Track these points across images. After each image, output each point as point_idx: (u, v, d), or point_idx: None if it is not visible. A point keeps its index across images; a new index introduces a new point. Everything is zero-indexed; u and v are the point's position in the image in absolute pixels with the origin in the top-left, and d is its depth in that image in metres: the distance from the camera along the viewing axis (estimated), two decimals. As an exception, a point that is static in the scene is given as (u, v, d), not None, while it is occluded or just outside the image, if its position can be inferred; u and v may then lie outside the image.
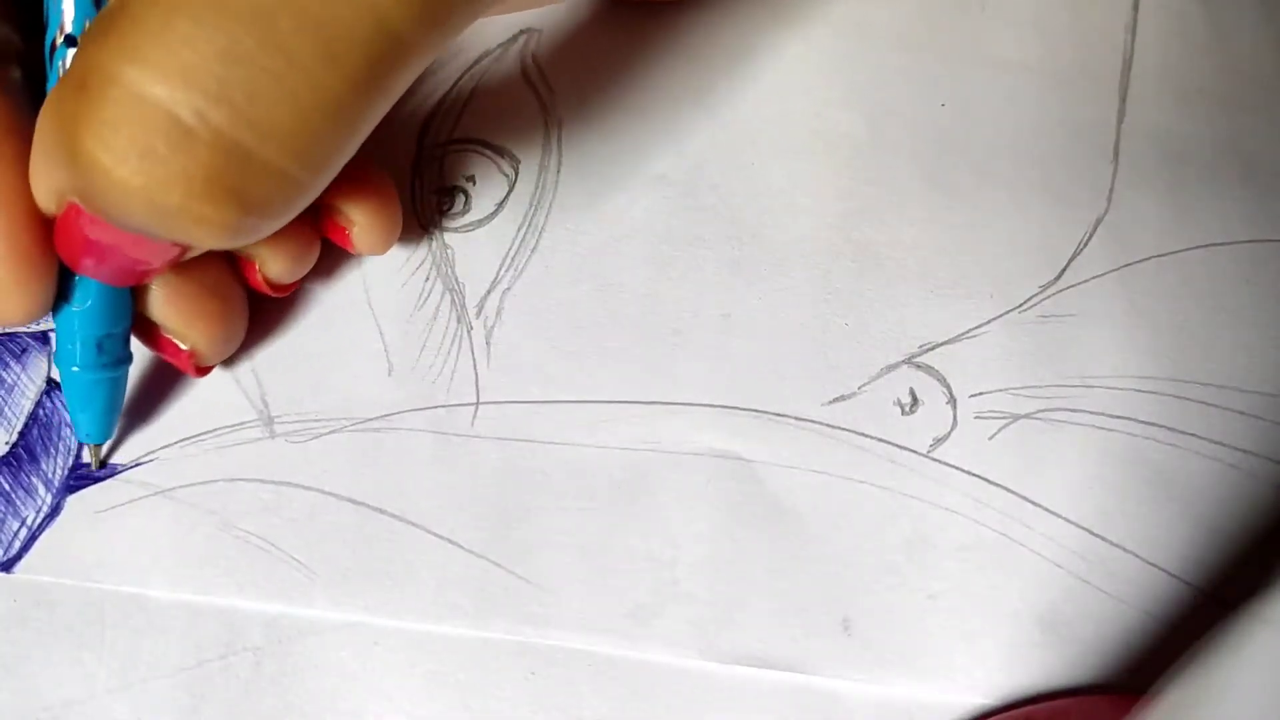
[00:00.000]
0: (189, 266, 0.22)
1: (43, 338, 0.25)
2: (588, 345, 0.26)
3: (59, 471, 0.24)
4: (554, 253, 0.27)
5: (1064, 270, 0.27)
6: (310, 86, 0.16)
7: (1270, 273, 0.26)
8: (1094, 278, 0.26)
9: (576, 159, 0.27)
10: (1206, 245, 0.27)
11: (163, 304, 0.22)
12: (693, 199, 0.27)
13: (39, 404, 0.25)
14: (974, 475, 0.25)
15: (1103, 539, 0.24)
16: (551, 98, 0.27)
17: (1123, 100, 0.28)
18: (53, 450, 0.24)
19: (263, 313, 0.25)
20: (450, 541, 0.24)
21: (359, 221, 0.23)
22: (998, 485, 0.25)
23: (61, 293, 0.21)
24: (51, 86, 0.19)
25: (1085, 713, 0.23)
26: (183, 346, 0.23)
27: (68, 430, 0.25)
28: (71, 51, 0.19)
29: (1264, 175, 0.27)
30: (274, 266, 0.23)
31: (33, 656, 0.23)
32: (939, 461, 0.25)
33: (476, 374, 0.25)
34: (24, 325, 0.21)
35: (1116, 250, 0.27)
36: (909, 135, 0.28)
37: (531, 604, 0.24)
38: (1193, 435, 0.25)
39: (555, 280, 0.26)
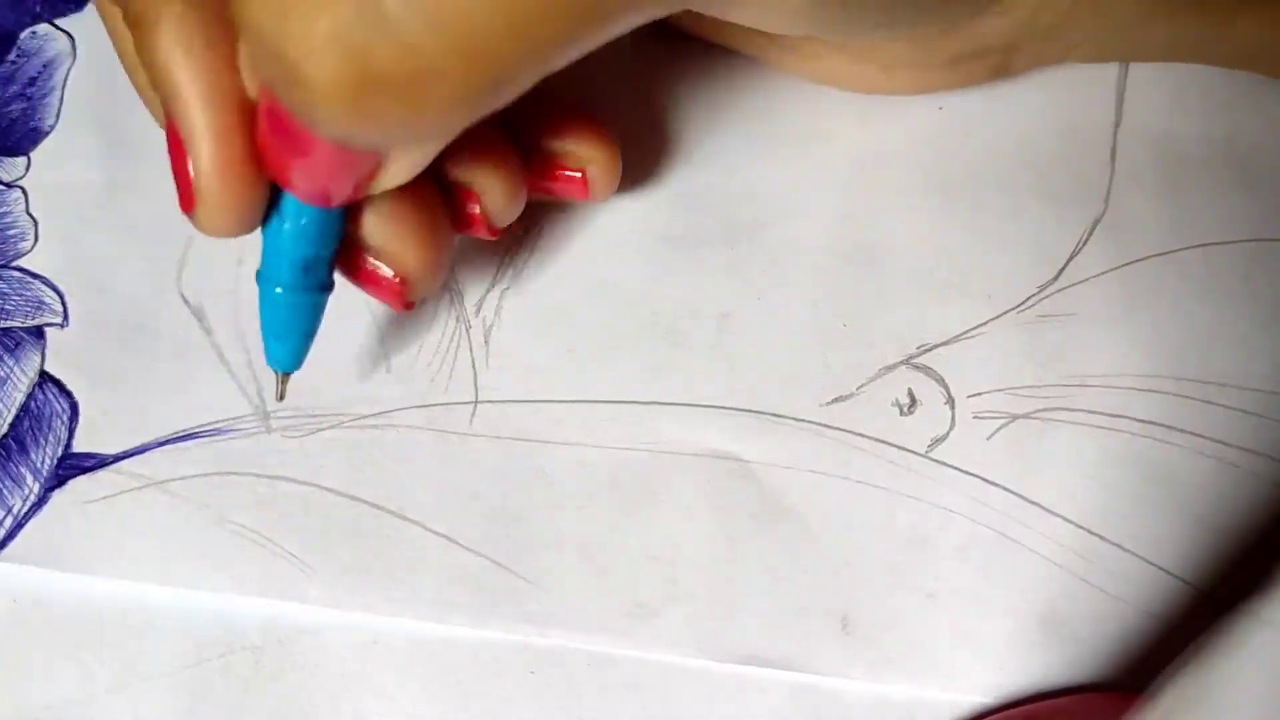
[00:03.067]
0: (404, 194, 0.21)
1: (37, 332, 0.25)
2: (586, 345, 0.26)
3: (48, 462, 0.24)
4: (553, 252, 0.27)
5: (1062, 270, 0.27)
6: (512, 6, 0.14)
7: (1268, 271, 0.26)
8: (1092, 277, 0.26)
9: (576, 159, 0.27)
10: (1204, 245, 0.27)
11: (376, 223, 0.21)
12: (692, 199, 0.27)
13: (30, 396, 0.25)
14: (973, 475, 0.25)
15: (1102, 538, 0.24)
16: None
17: (1120, 101, 0.28)
18: (43, 441, 0.24)
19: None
20: (449, 540, 0.24)
21: (597, 160, 0.23)
22: (996, 485, 0.25)
23: (272, 207, 0.20)
24: None
25: (1085, 711, 0.23)
26: (390, 274, 0.21)
27: (58, 421, 0.24)
28: None
29: (1261, 175, 0.27)
30: (495, 198, 0.22)
31: (32, 656, 0.23)
32: (938, 461, 0.25)
33: (475, 372, 0.25)
34: (233, 237, 0.20)
35: (1114, 250, 0.27)
36: (907, 137, 0.28)
37: (530, 602, 0.24)
38: (1192, 434, 0.25)
39: (554, 280, 0.26)
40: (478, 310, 0.26)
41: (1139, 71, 0.28)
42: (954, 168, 0.27)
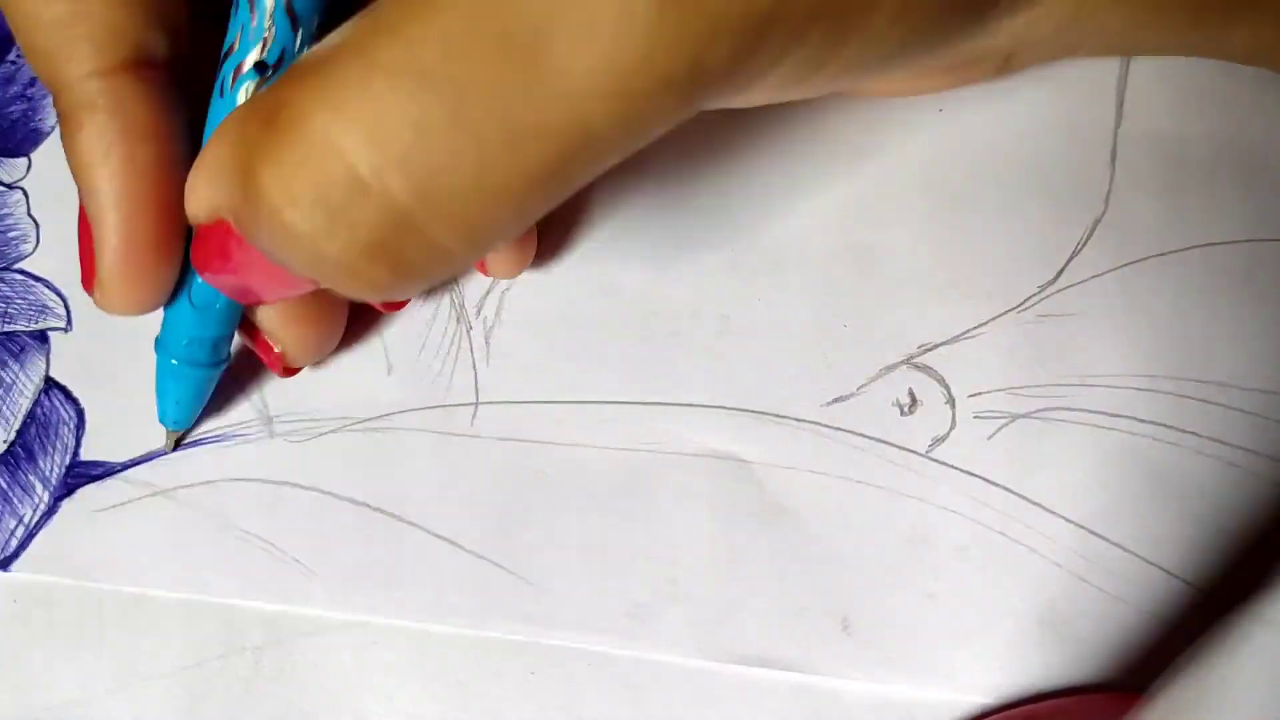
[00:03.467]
0: None
1: (41, 337, 0.25)
2: (587, 346, 0.26)
3: (56, 470, 0.24)
4: (553, 253, 0.27)
5: (1062, 270, 0.27)
6: (491, 171, 0.16)
7: (1269, 271, 0.26)
8: (1092, 277, 0.26)
9: (576, 159, 0.27)
10: (1204, 245, 0.27)
11: (270, 309, 0.22)
12: (692, 200, 0.27)
13: (37, 403, 0.25)
14: (973, 475, 0.25)
15: (1102, 538, 0.24)
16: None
17: (1120, 102, 0.28)
18: (50, 449, 0.24)
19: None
20: (450, 541, 0.24)
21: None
22: (997, 485, 0.25)
23: (181, 288, 0.21)
24: (220, 100, 0.20)
25: (1085, 711, 0.23)
26: (276, 349, 0.23)
27: (65, 429, 0.25)
28: (255, 80, 0.19)
29: (1261, 175, 0.27)
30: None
31: (33, 656, 0.23)
32: (938, 461, 0.25)
33: (476, 374, 0.25)
34: (132, 316, 0.21)
35: (1115, 250, 0.27)
36: (907, 137, 0.28)
37: (531, 603, 0.24)
38: (1192, 433, 0.25)
39: (554, 280, 0.26)
40: (478, 311, 0.26)
41: (1139, 72, 0.28)
42: (954, 168, 0.27)
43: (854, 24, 0.18)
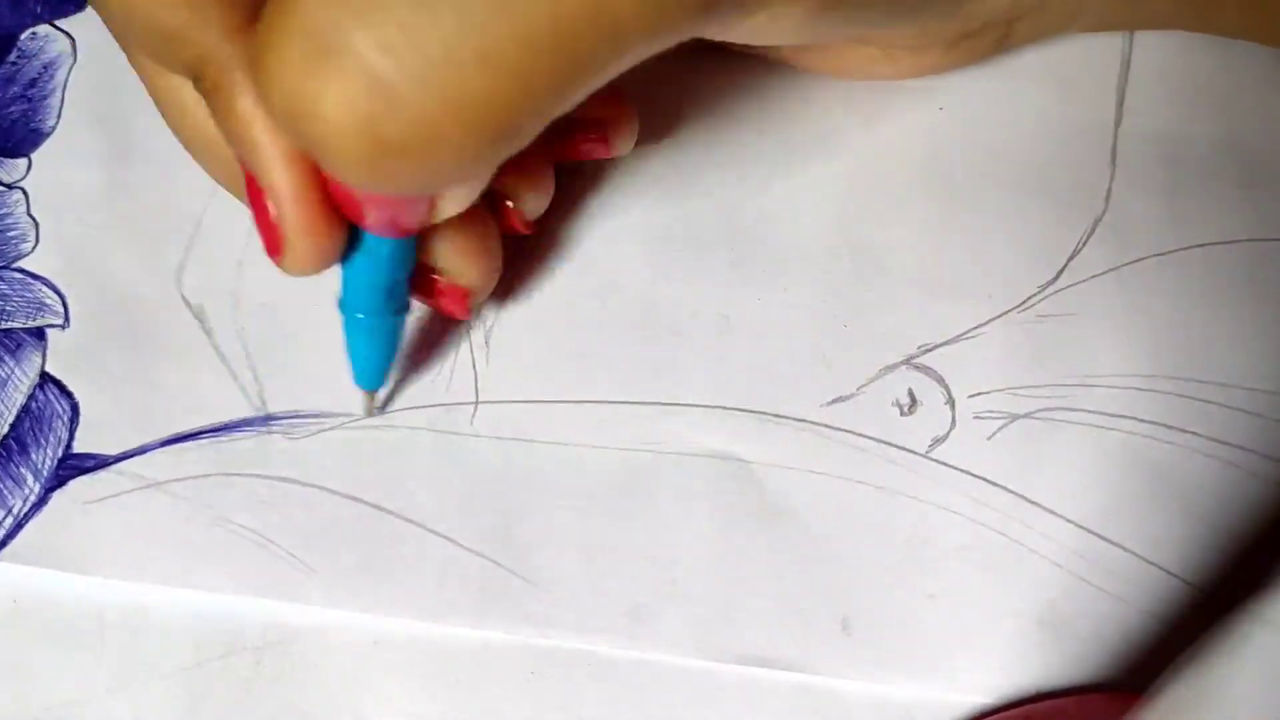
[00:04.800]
0: (459, 220, 0.22)
1: (38, 333, 0.25)
2: (587, 345, 0.26)
3: (49, 463, 0.24)
4: (554, 253, 0.27)
5: (1062, 270, 0.27)
6: (477, 32, 0.15)
7: (1269, 271, 0.26)
8: (1092, 277, 0.26)
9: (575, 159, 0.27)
10: (1204, 244, 0.27)
11: (443, 249, 0.23)
12: (692, 200, 0.27)
13: (31, 397, 0.25)
14: (973, 475, 0.25)
15: (1102, 538, 0.24)
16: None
17: (1121, 101, 0.28)
18: (43, 442, 0.24)
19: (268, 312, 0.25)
20: (449, 540, 0.24)
21: (614, 122, 0.24)
22: (997, 485, 0.25)
23: (351, 241, 0.21)
24: None
25: (1085, 711, 0.23)
26: (459, 288, 0.23)
27: (59, 422, 0.25)
28: None
29: (1262, 176, 0.27)
30: (530, 203, 0.24)
31: (32, 657, 0.23)
32: (938, 462, 0.25)
33: (476, 373, 0.25)
34: (315, 273, 0.21)
35: (1115, 250, 0.27)
36: (907, 137, 0.28)
37: (531, 603, 0.24)
38: (1192, 433, 0.25)
39: (554, 280, 0.26)
40: (478, 310, 0.26)
41: (1140, 71, 0.28)
42: (954, 168, 0.27)
43: None
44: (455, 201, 0.20)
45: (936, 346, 0.26)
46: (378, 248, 0.21)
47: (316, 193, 0.19)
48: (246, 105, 0.19)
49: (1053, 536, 0.24)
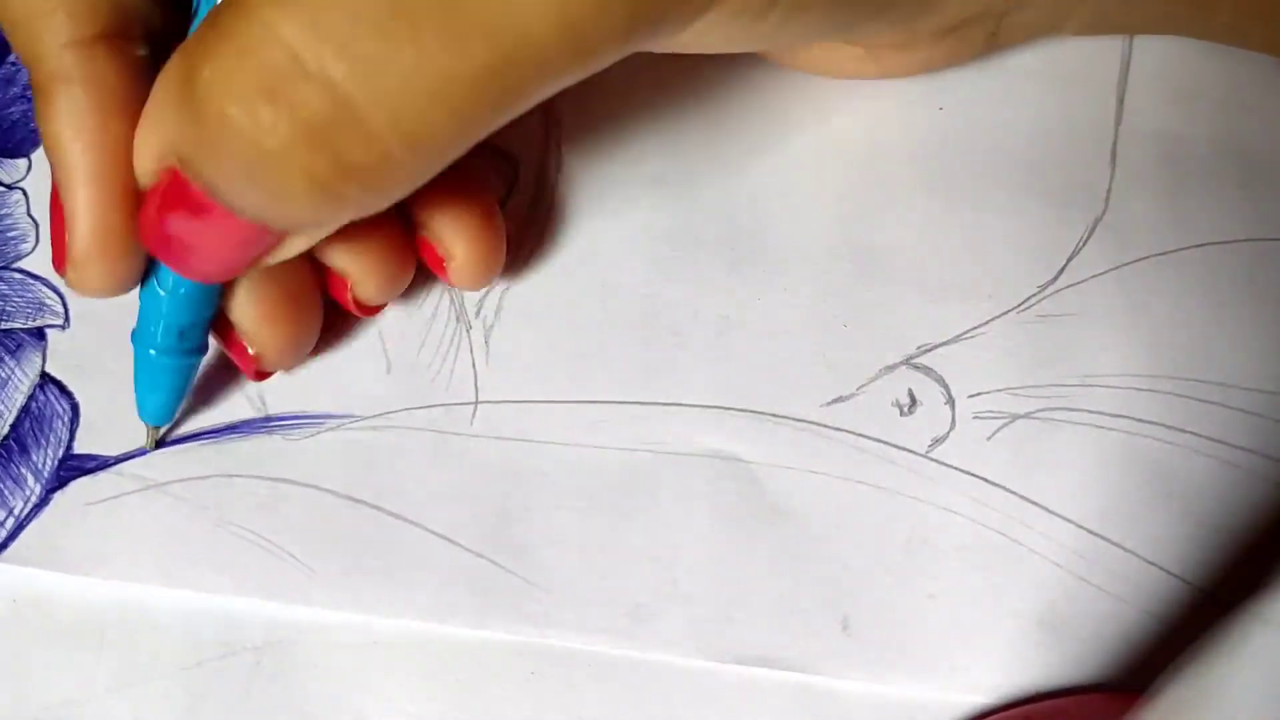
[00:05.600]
0: (276, 274, 0.22)
1: (38, 334, 0.25)
2: (587, 345, 0.26)
3: (49, 463, 0.24)
4: (553, 253, 0.27)
5: (1062, 270, 0.27)
6: (431, 68, 0.16)
7: (1269, 271, 0.26)
8: (1092, 277, 0.26)
9: (576, 160, 0.27)
10: (1204, 244, 0.27)
11: (244, 303, 0.22)
12: (692, 200, 0.27)
13: (32, 397, 0.25)
14: (973, 475, 0.25)
15: (1102, 538, 0.24)
16: (552, 100, 0.27)
17: (1120, 101, 0.28)
18: (44, 442, 0.24)
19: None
20: (449, 540, 0.24)
21: (458, 256, 0.23)
22: (997, 485, 0.25)
23: (149, 272, 0.21)
24: None
25: (1085, 712, 0.23)
26: (251, 350, 0.23)
27: (59, 423, 0.25)
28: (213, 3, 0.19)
29: (1262, 175, 0.27)
30: (367, 287, 0.23)
31: (32, 657, 0.23)
32: (938, 462, 0.25)
33: (475, 373, 0.25)
34: (105, 298, 0.21)
35: (1114, 250, 0.27)
36: (907, 137, 0.28)
37: (531, 603, 0.24)
38: (1192, 433, 0.25)
39: (554, 280, 0.26)
40: (478, 311, 0.26)
41: (1140, 71, 0.28)
42: (954, 168, 0.27)
43: None
44: (297, 245, 0.20)
45: (936, 346, 0.26)
46: (175, 288, 0.21)
47: (115, 220, 0.19)
48: (61, 118, 0.19)
49: (1053, 536, 0.24)
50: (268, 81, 0.16)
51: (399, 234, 0.23)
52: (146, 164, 0.19)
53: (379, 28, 0.16)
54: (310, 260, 0.23)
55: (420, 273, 0.25)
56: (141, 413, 0.23)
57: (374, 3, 0.16)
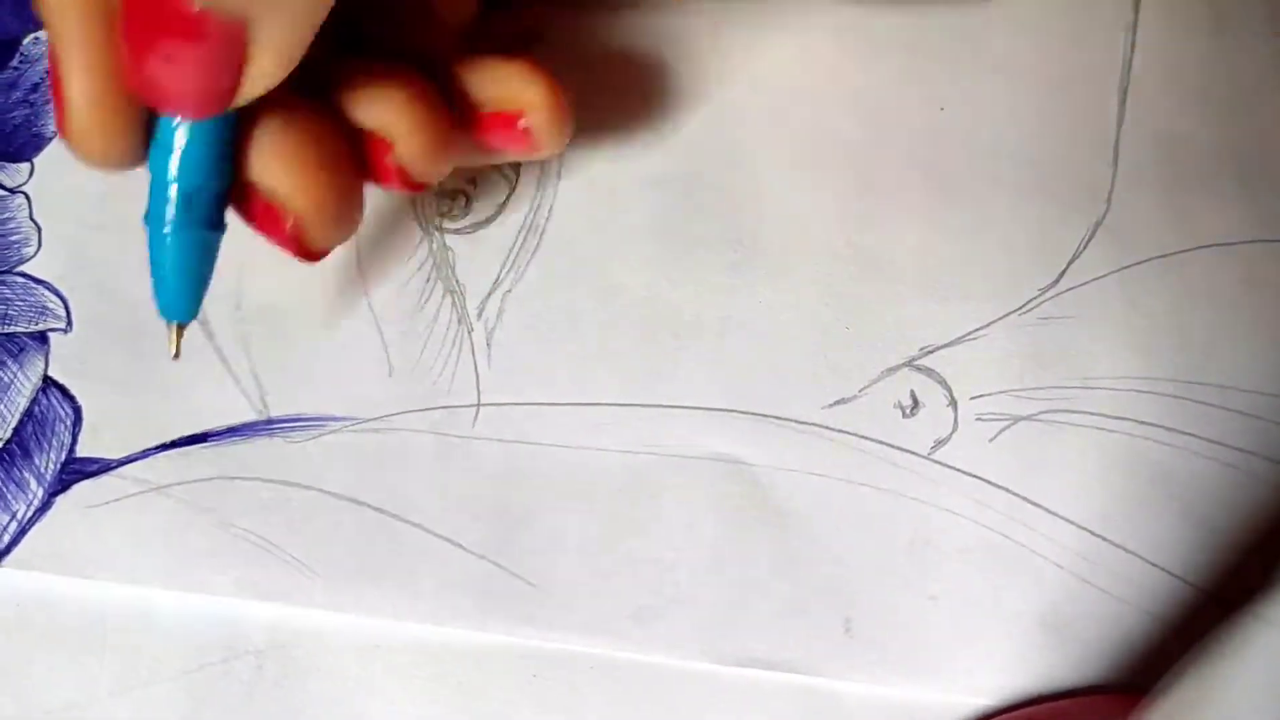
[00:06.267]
0: (295, 122, 0.20)
1: (41, 337, 0.25)
2: (589, 348, 0.26)
3: (52, 467, 0.24)
4: (554, 255, 0.27)
5: (1064, 272, 0.27)
6: None
7: (1270, 273, 0.26)
8: (1094, 279, 0.26)
9: (577, 162, 0.27)
10: (1206, 246, 0.27)
11: (264, 157, 0.20)
12: (693, 202, 0.27)
13: (34, 401, 0.25)
14: (975, 477, 0.25)
15: (1104, 539, 0.24)
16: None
17: (1122, 102, 0.28)
18: (46, 446, 0.24)
19: (271, 315, 0.25)
20: (452, 543, 0.24)
21: (535, 99, 0.22)
22: (999, 487, 0.25)
23: (154, 143, 0.20)
24: None
25: (1087, 713, 0.23)
26: (283, 215, 0.21)
27: (62, 426, 0.25)
28: None
29: (1263, 177, 0.27)
30: (409, 144, 0.21)
31: (34, 660, 0.23)
32: (940, 463, 0.25)
33: (477, 375, 0.25)
34: (112, 169, 0.20)
35: (1116, 252, 0.27)
36: (909, 138, 0.28)
37: (533, 606, 0.24)
38: (1193, 435, 0.25)
39: (556, 282, 0.26)
40: (479, 313, 0.26)
41: (1141, 72, 0.28)
42: (955, 168, 0.27)
43: None
44: (268, 56, 0.18)
45: (938, 348, 0.26)
46: (175, 142, 0.20)
47: (110, 70, 0.19)
48: None
49: (1055, 538, 0.24)
50: None
51: (431, 89, 0.21)
52: None
53: None
54: (342, 125, 0.21)
55: (420, 274, 0.25)
56: (161, 308, 0.21)
57: None
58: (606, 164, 0.27)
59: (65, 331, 0.26)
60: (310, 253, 0.22)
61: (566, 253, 0.27)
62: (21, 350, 0.25)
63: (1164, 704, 0.18)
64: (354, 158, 0.21)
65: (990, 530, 0.24)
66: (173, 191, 0.20)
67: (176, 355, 0.22)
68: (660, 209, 0.27)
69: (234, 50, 0.18)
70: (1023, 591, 0.24)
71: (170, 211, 0.20)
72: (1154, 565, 0.24)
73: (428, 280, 0.26)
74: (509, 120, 0.22)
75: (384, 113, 0.21)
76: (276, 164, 0.20)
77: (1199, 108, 0.28)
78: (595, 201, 0.27)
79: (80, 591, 0.23)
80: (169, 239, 0.20)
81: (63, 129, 0.19)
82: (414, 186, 0.22)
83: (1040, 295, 0.26)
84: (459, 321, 0.26)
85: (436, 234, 0.26)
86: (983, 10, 0.29)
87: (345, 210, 0.21)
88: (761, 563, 0.24)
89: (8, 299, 0.26)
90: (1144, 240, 0.27)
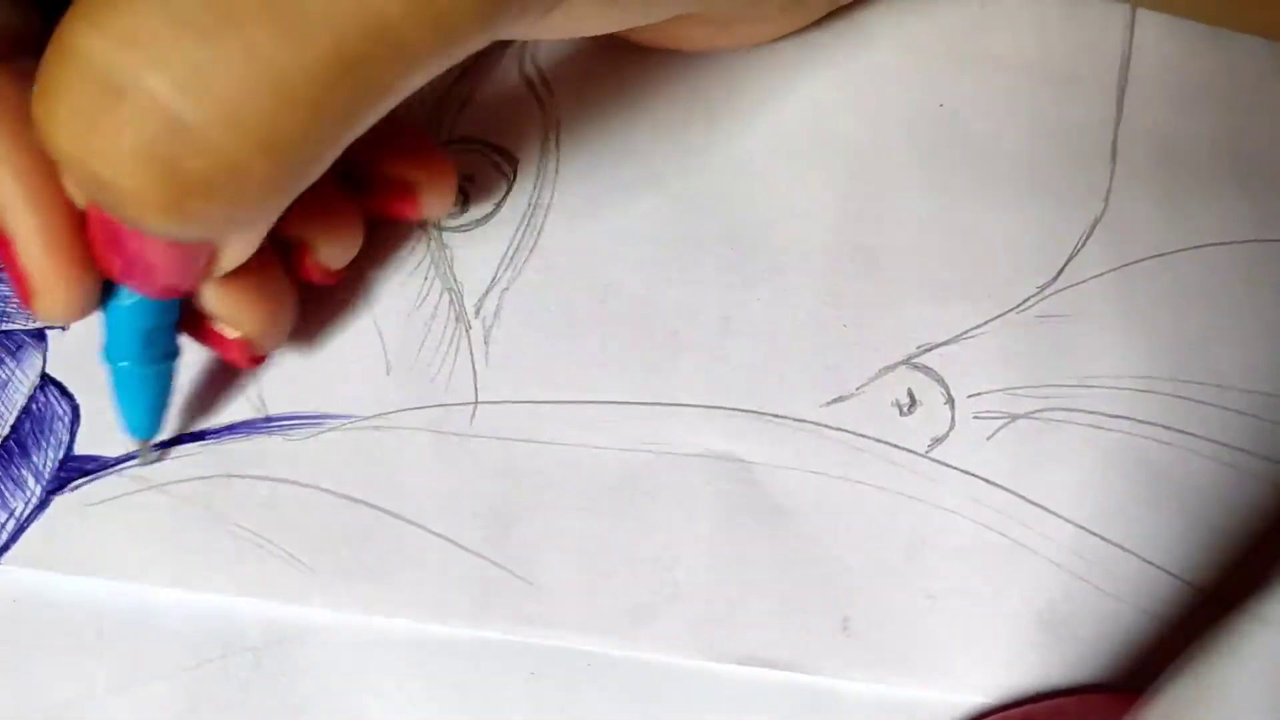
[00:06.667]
0: None
1: (39, 334, 0.25)
2: (586, 345, 0.26)
3: (50, 465, 0.24)
4: (553, 253, 0.27)
5: (1061, 271, 0.27)
6: (266, 64, 0.15)
7: (1268, 272, 0.26)
8: (1092, 278, 0.26)
9: (575, 160, 0.27)
10: (1204, 245, 0.27)
11: (213, 293, 0.21)
12: (691, 200, 0.27)
13: (32, 398, 0.25)
14: (972, 475, 0.25)
15: (1101, 538, 0.24)
16: (551, 98, 0.27)
17: (1120, 101, 0.28)
18: (44, 444, 0.24)
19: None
20: (449, 541, 0.24)
21: (422, 181, 0.23)
22: (996, 485, 0.25)
23: (109, 287, 0.20)
24: None
25: (1084, 711, 0.23)
26: (232, 335, 0.22)
27: (60, 424, 0.24)
28: None
29: (1261, 175, 0.27)
30: (325, 250, 0.23)
31: (32, 657, 0.23)
32: (937, 462, 0.25)
33: (475, 373, 0.25)
34: (71, 322, 0.20)
35: (1114, 251, 0.27)
36: (907, 136, 0.28)
37: (530, 604, 0.24)
38: (1191, 434, 0.25)
39: (554, 280, 0.26)
40: (478, 311, 0.26)
41: (1139, 70, 0.28)
42: (954, 167, 0.27)
43: None
44: (236, 251, 0.19)
45: (936, 346, 0.26)
46: (130, 293, 0.20)
47: (65, 242, 0.19)
48: None
49: (1052, 536, 0.24)
50: (87, 110, 0.15)
51: (341, 196, 0.23)
52: (76, 194, 0.18)
53: (198, 29, 0.14)
54: (271, 236, 0.22)
55: (418, 272, 0.25)
56: (129, 428, 0.23)
57: (190, 3, 0.14)
58: (605, 162, 0.27)
59: (64, 329, 0.25)
60: (256, 362, 0.24)
61: (564, 250, 0.27)
62: (20, 348, 0.25)
63: (1161, 703, 0.18)
64: (285, 268, 0.23)
65: (988, 529, 0.25)
66: (129, 331, 0.21)
67: (146, 463, 0.24)
68: (658, 207, 0.27)
69: (200, 255, 0.19)
70: (1020, 590, 0.24)
71: (128, 349, 0.22)
72: (1151, 564, 0.24)
73: (425, 278, 0.26)
74: (400, 195, 0.23)
75: (304, 229, 0.22)
76: (223, 295, 0.22)
77: (1198, 106, 0.28)
78: (594, 199, 0.27)
79: (78, 589, 0.23)
80: (132, 372, 0.22)
81: (23, 295, 0.20)
82: (329, 278, 0.24)
83: (1038, 294, 0.26)
84: (457, 319, 0.26)
85: (434, 232, 0.26)
86: (982, 5, 0.29)
87: (286, 321, 0.23)
88: (759, 561, 0.24)
89: (5, 296, 0.26)
90: (1142, 239, 0.27)
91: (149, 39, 0.14)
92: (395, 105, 0.17)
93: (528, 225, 0.27)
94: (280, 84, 0.15)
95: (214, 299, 0.22)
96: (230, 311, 0.22)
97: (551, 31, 0.20)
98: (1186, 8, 0.27)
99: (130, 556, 0.23)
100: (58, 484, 0.24)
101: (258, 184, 0.16)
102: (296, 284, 0.23)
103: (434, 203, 0.24)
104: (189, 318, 0.22)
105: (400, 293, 0.26)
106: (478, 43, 0.17)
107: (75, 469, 0.24)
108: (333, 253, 0.23)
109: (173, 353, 0.23)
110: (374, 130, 0.18)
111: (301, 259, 0.23)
